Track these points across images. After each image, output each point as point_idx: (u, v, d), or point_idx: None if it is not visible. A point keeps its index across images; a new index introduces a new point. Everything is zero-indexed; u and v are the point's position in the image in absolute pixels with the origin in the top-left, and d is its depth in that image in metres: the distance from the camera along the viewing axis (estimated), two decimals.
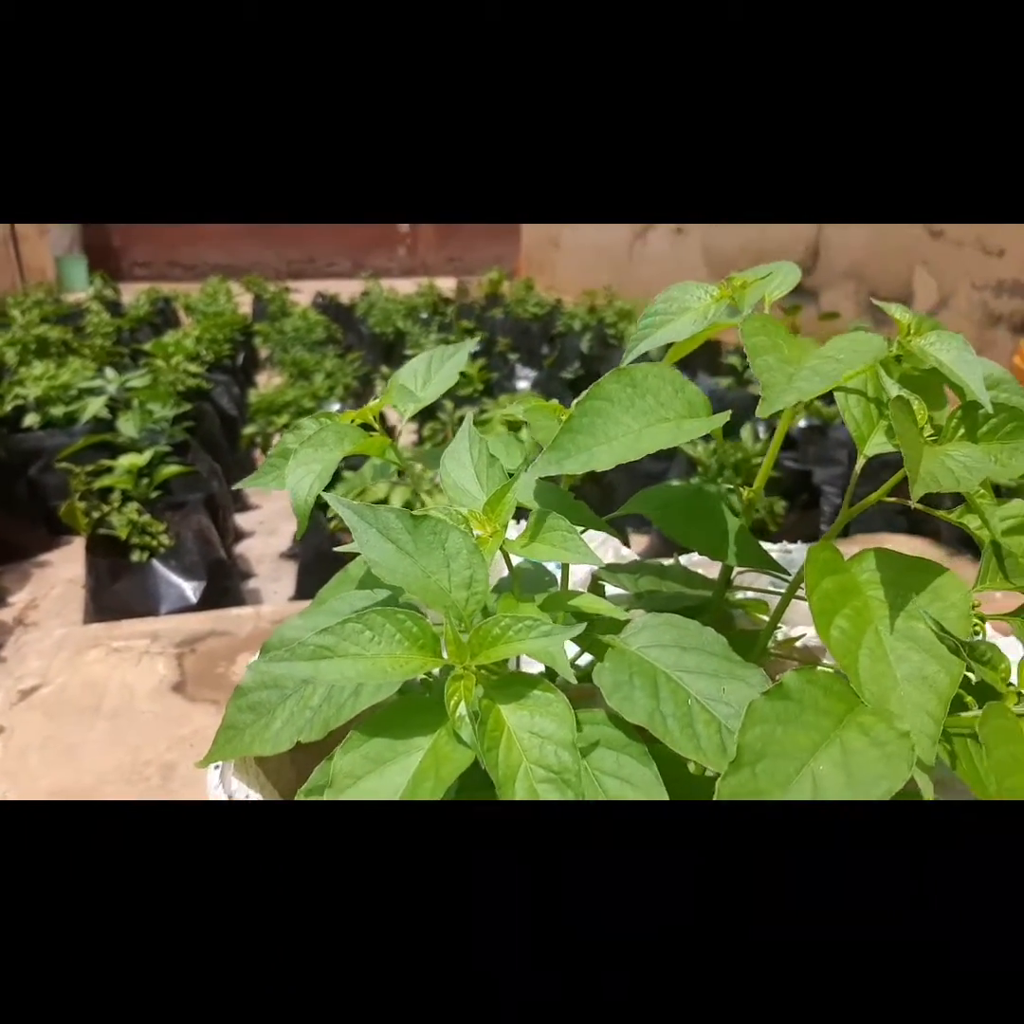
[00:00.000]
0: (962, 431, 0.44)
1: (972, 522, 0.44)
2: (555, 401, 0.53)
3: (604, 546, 0.80)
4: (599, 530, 0.49)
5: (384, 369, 3.92)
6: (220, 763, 0.47)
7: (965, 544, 2.13)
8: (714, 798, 0.29)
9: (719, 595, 0.53)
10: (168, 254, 10.68)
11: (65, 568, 2.55)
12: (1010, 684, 0.30)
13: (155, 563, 1.72)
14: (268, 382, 4.25)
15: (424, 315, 5.52)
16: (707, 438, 2.52)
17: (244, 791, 0.46)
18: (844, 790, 0.30)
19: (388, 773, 0.35)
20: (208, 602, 1.75)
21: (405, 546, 0.39)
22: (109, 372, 2.49)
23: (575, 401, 0.45)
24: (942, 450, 0.40)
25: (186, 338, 3.54)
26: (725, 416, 0.45)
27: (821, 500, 2.35)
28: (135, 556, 1.72)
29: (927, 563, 0.40)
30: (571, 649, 0.52)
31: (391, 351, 4.81)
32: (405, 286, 7.27)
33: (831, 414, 2.74)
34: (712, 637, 0.43)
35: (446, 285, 7.71)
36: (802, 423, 2.79)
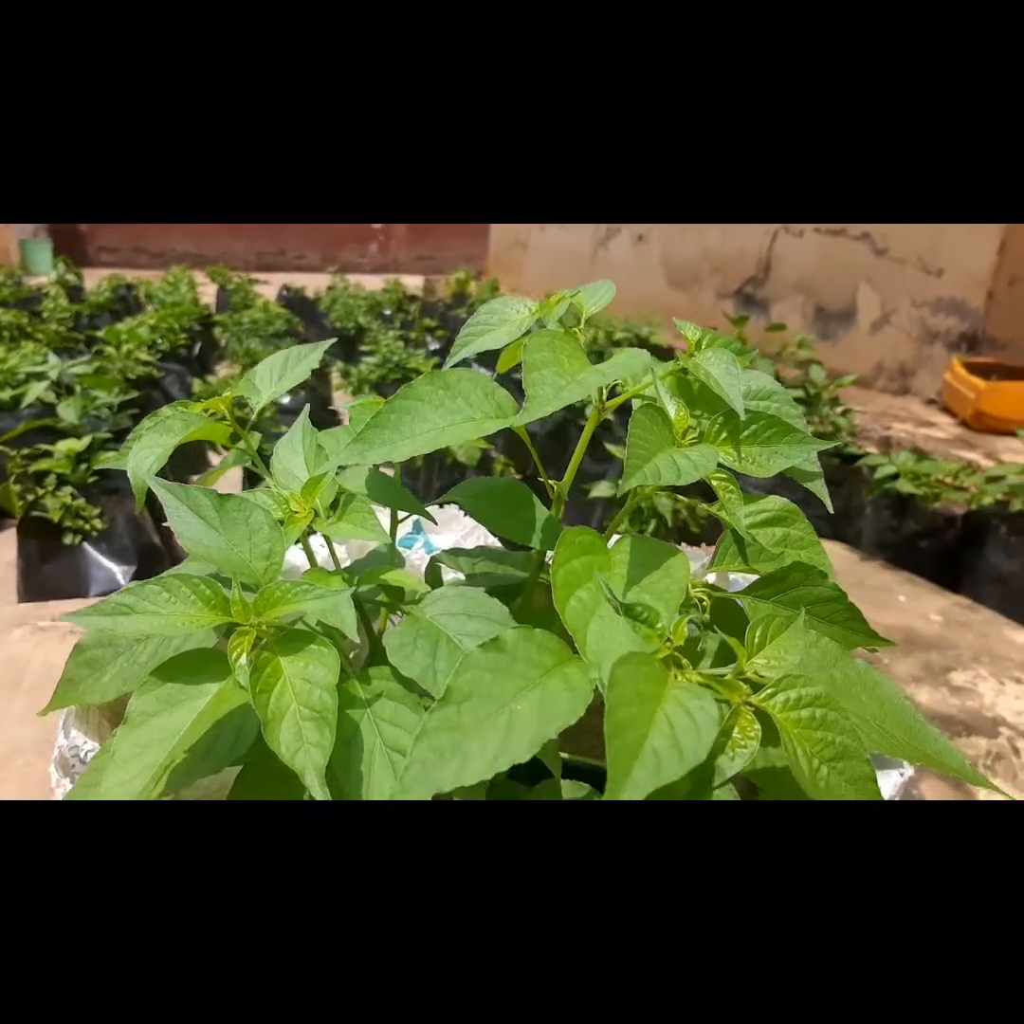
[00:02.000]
0: (725, 434, 0.51)
1: (726, 515, 0.51)
2: (379, 398, 0.58)
3: (473, 534, 0.87)
4: (417, 513, 0.55)
5: (340, 364, 3.95)
6: (66, 714, 0.53)
7: (880, 549, 2.22)
8: (416, 732, 0.35)
9: (534, 576, 0.59)
10: (135, 241, 10.58)
11: (6, 550, 2.56)
12: (668, 640, 0.37)
13: (86, 546, 1.76)
14: (227, 373, 4.26)
15: (387, 312, 5.55)
16: None
17: (81, 739, 0.51)
18: (532, 725, 0.36)
19: (177, 713, 0.41)
20: None
21: (212, 522, 0.45)
22: (53, 358, 2.51)
23: (387, 399, 0.51)
24: (679, 450, 0.46)
25: (141, 326, 3.55)
26: (522, 417, 0.51)
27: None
28: (67, 539, 1.76)
29: (669, 548, 0.47)
30: None
31: (352, 346, 4.84)
32: (375, 282, 7.29)
33: None
34: (496, 607, 0.49)
35: (415, 283, 7.74)
36: None
